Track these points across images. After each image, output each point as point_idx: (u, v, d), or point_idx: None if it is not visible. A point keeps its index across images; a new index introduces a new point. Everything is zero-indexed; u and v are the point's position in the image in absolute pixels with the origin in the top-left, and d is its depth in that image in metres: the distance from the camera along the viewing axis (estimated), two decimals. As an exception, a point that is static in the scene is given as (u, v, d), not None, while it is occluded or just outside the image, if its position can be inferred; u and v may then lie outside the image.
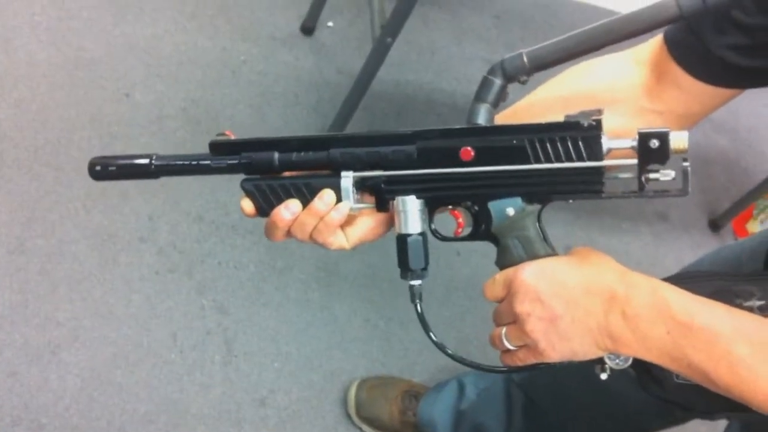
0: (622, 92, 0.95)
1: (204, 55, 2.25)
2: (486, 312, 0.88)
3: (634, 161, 0.77)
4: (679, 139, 0.76)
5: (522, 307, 0.77)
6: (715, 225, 2.42)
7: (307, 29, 2.38)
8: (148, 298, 1.78)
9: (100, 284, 1.77)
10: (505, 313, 0.82)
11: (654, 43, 0.95)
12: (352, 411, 1.72)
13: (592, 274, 0.77)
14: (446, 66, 2.52)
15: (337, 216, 0.85)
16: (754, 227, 2.36)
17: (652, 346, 0.73)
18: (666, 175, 0.76)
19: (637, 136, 0.76)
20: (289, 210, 0.86)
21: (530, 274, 0.78)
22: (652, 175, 0.77)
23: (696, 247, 2.29)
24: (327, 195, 0.85)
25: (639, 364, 0.78)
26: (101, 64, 2.11)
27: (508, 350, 0.83)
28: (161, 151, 0.90)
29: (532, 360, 0.81)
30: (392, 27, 1.80)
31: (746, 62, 0.87)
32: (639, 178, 0.78)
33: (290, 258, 1.93)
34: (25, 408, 1.58)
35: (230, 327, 1.79)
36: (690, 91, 0.91)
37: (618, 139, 0.78)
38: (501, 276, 0.82)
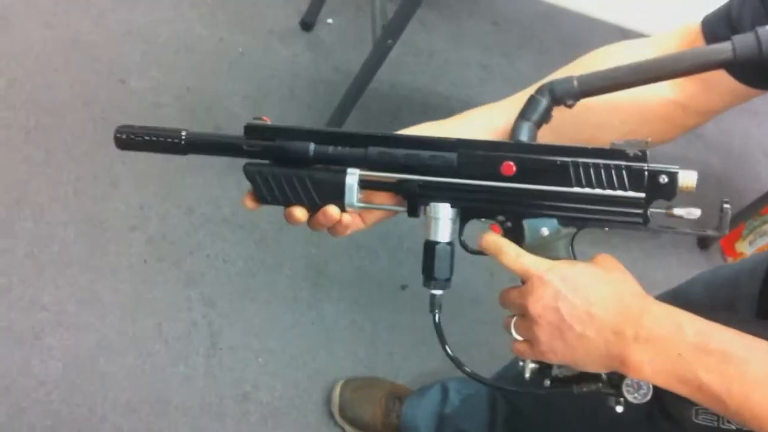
0: None
1: (202, 44, 2.24)
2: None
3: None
4: (687, 178, 0.77)
5: (535, 307, 0.77)
6: (704, 243, 2.44)
7: (307, 25, 2.37)
8: (135, 287, 1.76)
9: (87, 270, 1.75)
10: (515, 304, 0.81)
11: (684, 32, 0.93)
12: (336, 411, 1.71)
13: (612, 291, 0.76)
14: (443, 70, 2.52)
15: (341, 227, 0.85)
16: (743, 247, 2.38)
17: (662, 368, 0.73)
18: (691, 213, 0.76)
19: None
20: (293, 218, 0.85)
21: (554, 276, 0.77)
22: (676, 212, 0.77)
23: (684, 265, 2.30)
24: (330, 211, 0.84)
25: (655, 400, 0.78)
26: (97, 48, 2.09)
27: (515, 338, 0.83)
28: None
29: (530, 356, 0.82)
30: (394, 28, 1.79)
31: None
32: (644, 212, 0.79)
33: (280, 255, 1.92)
34: (6, 391, 1.56)
35: (216, 320, 1.78)
36: (717, 87, 0.89)
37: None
38: (523, 264, 0.80)
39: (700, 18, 0.92)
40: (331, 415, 1.73)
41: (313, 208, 0.86)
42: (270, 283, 1.87)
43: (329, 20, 2.44)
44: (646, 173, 0.78)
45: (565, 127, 0.86)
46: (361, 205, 0.85)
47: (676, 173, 0.77)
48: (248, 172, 0.86)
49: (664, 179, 0.77)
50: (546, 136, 0.84)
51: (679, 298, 1.27)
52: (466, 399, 1.60)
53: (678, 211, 0.77)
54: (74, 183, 1.84)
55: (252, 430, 1.68)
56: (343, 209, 0.85)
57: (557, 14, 2.86)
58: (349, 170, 0.84)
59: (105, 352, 1.67)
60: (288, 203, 0.86)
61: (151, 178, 1.89)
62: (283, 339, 1.81)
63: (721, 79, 0.88)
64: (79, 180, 1.85)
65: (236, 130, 0.88)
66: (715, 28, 0.89)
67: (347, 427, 1.71)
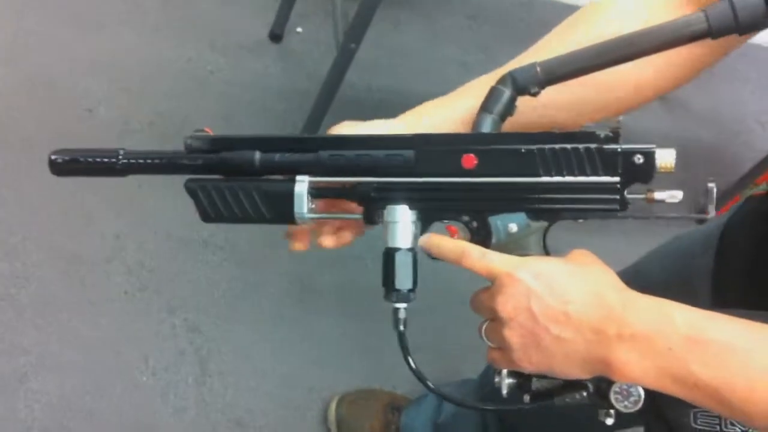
0: None
1: (170, 66, 2.19)
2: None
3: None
4: (665, 157, 0.71)
5: (505, 309, 0.69)
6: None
7: (276, 36, 2.32)
8: (117, 320, 1.71)
9: (67, 308, 1.70)
10: (485, 307, 0.74)
11: None
12: (333, 428, 1.66)
13: (590, 287, 0.69)
14: (420, 69, 2.47)
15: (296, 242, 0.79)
16: (740, 218, 2.31)
17: (650, 367, 0.66)
18: (673, 196, 0.71)
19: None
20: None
21: (525, 273, 0.69)
22: (657, 196, 0.71)
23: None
24: None
25: (650, 409, 0.72)
26: (62, 81, 2.05)
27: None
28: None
29: (504, 365, 0.74)
30: (355, 32, 1.75)
31: None
32: (621, 197, 0.72)
33: (264, 273, 1.87)
34: (-9, 440, 1.52)
35: (203, 346, 1.73)
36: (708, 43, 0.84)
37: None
38: (489, 263, 0.73)
39: None
40: (329, 433, 1.68)
41: (264, 223, 0.80)
42: (255, 303, 1.82)
43: (298, 29, 2.39)
44: (619, 154, 0.71)
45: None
46: (313, 215, 0.79)
47: (653, 152, 0.71)
48: (189, 189, 0.80)
49: (639, 159, 0.71)
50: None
51: (637, 278, 1.21)
52: (458, 409, 1.54)
53: (659, 195, 0.71)
54: (47, 219, 1.80)
55: (248, 456, 1.63)
56: (293, 221, 0.79)
57: (533, 3, 2.81)
58: (298, 178, 0.78)
59: (91, 389, 1.62)
60: (235, 219, 0.80)
61: (124, 206, 1.85)
62: (274, 359, 1.76)
63: None
64: (51, 216, 1.80)
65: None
66: None
67: (347, 444, 1.66)
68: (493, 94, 0.77)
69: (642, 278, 1.20)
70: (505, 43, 2.65)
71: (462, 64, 2.54)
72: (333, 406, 1.67)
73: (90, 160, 0.82)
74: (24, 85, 2.00)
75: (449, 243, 0.76)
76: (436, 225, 0.79)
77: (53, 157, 0.82)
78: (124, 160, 0.81)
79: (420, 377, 0.77)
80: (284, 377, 1.74)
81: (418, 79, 2.42)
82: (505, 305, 0.70)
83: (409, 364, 0.77)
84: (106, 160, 0.81)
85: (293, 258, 1.91)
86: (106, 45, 2.16)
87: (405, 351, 0.77)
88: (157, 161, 0.81)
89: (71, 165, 0.82)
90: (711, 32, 0.67)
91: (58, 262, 1.75)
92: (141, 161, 0.81)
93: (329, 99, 1.92)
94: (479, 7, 2.77)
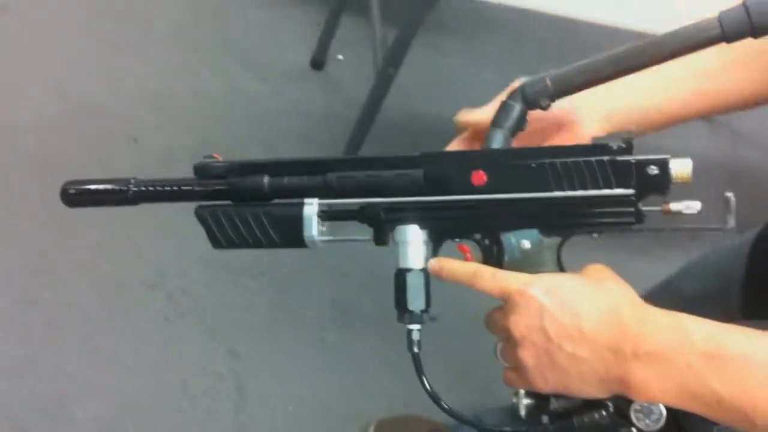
0: None
1: (213, 95, 2.23)
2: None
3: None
4: (681, 167, 0.69)
5: (518, 328, 0.69)
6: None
7: (317, 64, 2.34)
8: (158, 346, 1.73)
9: (109, 334, 1.72)
10: (499, 327, 0.73)
11: None
12: (371, 454, 1.64)
13: (605, 304, 0.67)
14: (461, 94, 2.46)
15: None
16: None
17: (669, 385, 0.64)
18: (690, 207, 0.69)
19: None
20: None
21: (537, 290, 0.68)
22: (673, 207, 0.69)
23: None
24: None
25: (673, 430, 0.70)
26: (109, 110, 2.10)
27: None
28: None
29: (520, 385, 0.73)
30: (394, 57, 1.76)
31: None
32: (636, 209, 0.71)
33: (303, 298, 1.87)
34: (33, 465, 1.53)
35: (242, 371, 1.73)
36: None
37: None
38: (501, 282, 0.72)
39: None
40: (368, 460, 1.66)
41: (275, 248, 0.79)
42: (295, 328, 1.82)
43: (339, 56, 2.41)
44: (633, 165, 0.70)
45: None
46: (324, 238, 0.78)
47: (667, 162, 0.69)
48: (199, 216, 0.80)
49: (653, 170, 0.69)
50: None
51: (670, 291, 1.18)
52: (496, 431, 1.51)
53: (675, 206, 0.69)
54: (92, 248, 1.83)
55: (287, 483, 1.63)
56: (303, 245, 0.78)
57: (576, 26, 2.79)
58: (306, 201, 0.77)
59: (131, 415, 1.63)
60: (246, 245, 0.80)
61: (166, 233, 1.87)
62: (313, 384, 1.75)
63: None
64: (97, 244, 1.84)
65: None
66: None
67: (384, 472, 1.63)
68: (503, 109, 0.76)
69: (674, 292, 1.18)
70: (548, 65, 2.62)
71: (503, 87, 2.51)
72: (371, 431, 1.65)
73: (101, 188, 0.83)
74: (74, 116, 2.05)
75: (460, 266, 0.75)
76: (448, 244, 0.78)
77: (65, 188, 0.83)
78: (135, 189, 0.82)
79: (434, 397, 0.77)
80: (324, 403, 1.73)
81: (459, 103, 2.40)
82: (518, 324, 0.69)
83: (423, 384, 0.77)
84: (117, 189, 0.82)
85: (333, 283, 1.90)
86: (152, 74, 2.20)
87: (419, 371, 0.77)
88: (167, 189, 0.81)
89: (83, 195, 0.83)
90: (725, 37, 0.66)
91: (101, 288, 1.78)
92: (151, 189, 0.82)
93: (369, 123, 1.93)
94: (521, 31, 2.75)
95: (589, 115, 0.84)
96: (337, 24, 2.27)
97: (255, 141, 2.15)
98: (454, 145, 0.85)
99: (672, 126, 0.87)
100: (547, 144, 0.83)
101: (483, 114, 0.82)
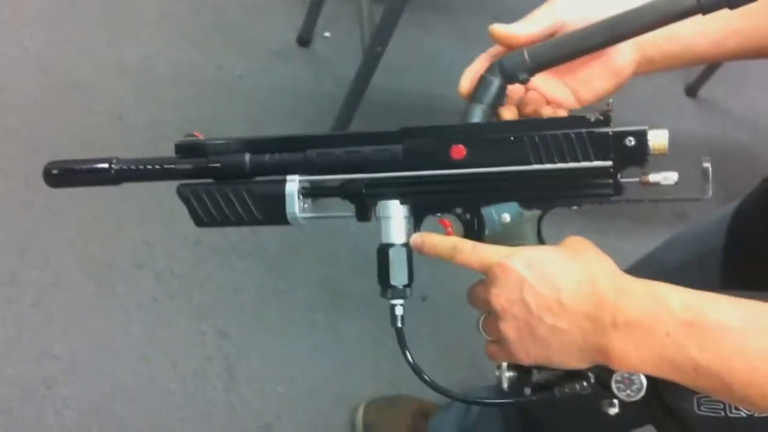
0: None
1: (199, 73, 2.20)
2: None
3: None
4: (658, 138, 0.70)
5: (498, 300, 0.69)
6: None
7: (304, 41, 2.32)
8: (147, 326, 1.72)
9: (96, 314, 1.71)
10: (480, 300, 0.74)
11: None
12: (361, 435, 1.65)
13: (584, 275, 0.68)
14: (449, 72, 2.44)
15: None
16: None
17: (648, 354, 0.64)
18: (667, 178, 0.70)
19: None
20: None
21: (517, 262, 0.69)
22: (651, 178, 0.70)
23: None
24: None
25: (653, 400, 0.70)
26: (93, 88, 2.06)
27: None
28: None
29: (503, 358, 0.74)
30: (381, 35, 1.75)
31: None
32: (615, 181, 0.72)
33: (292, 279, 1.86)
34: (20, 446, 1.52)
35: (232, 352, 1.72)
36: None
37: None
38: (481, 254, 0.72)
39: None
40: (358, 440, 1.67)
41: (257, 225, 0.80)
42: (285, 309, 1.82)
43: (326, 33, 2.39)
44: (610, 137, 0.71)
45: None
46: (306, 215, 0.79)
47: (645, 133, 0.70)
48: (181, 194, 0.81)
49: (631, 141, 0.70)
50: None
51: (652, 265, 1.19)
52: (482, 410, 1.52)
53: (653, 177, 0.70)
54: (77, 226, 1.81)
55: (277, 463, 1.63)
56: (286, 222, 0.79)
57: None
58: (288, 177, 0.78)
59: (120, 395, 1.62)
60: (229, 223, 0.81)
61: (154, 212, 1.85)
62: (303, 365, 1.75)
63: None
64: (82, 223, 1.81)
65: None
66: None
67: (375, 451, 1.64)
68: (482, 84, 0.77)
69: (656, 264, 1.19)
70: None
71: (492, 67, 2.51)
72: (360, 412, 1.66)
73: (83, 168, 0.83)
74: (57, 92, 2.02)
75: (441, 240, 0.76)
76: (430, 219, 0.79)
77: (48, 168, 0.83)
78: (116, 168, 0.82)
79: (416, 370, 0.79)
80: (313, 383, 1.73)
81: (447, 82, 2.38)
82: (499, 297, 0.69)
83: (406, 357, 0.79)
84: (98, 168, 0.82)
85: (323, 263, 1.90)
86: (136, 52, 2.17)
87: (403, 345, 0.79)
88: (149, 168, 0.82)
89: (66, 176, 0.83)
90: (701, 8, 0.66)
91: (88, 268, 1.76)
92: (133, 168, 0.82)
93: (356, 102, 1.92)
94: (506, 7, 2.74)
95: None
96: (324, 0, 2.25)
97: (241, 119, 2.13)
98: (483, 59, 0.83)
99: (701, 64, 0.85)
100: (580, 70, 0.81)
101: (517, 29, 0.80)
